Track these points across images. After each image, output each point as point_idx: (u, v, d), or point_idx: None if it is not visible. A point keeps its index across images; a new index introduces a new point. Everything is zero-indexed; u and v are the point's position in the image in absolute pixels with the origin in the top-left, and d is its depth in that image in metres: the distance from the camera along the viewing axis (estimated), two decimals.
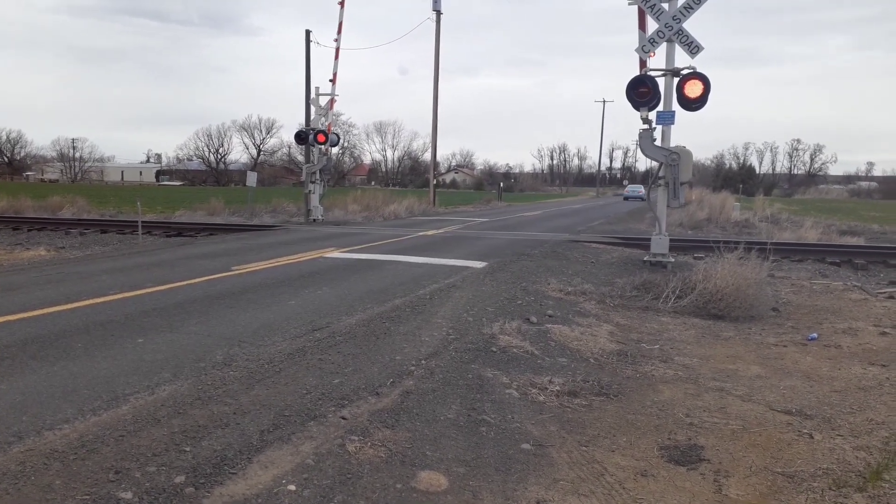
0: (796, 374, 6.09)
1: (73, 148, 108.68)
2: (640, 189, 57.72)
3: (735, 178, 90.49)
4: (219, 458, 3.72)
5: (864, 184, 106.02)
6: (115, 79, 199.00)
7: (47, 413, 4.28)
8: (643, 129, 12.26)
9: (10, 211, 27.13)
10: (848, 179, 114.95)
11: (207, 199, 31.13)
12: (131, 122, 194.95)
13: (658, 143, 12.34)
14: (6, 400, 4.50)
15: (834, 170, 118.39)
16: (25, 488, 3.31)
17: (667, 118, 12.20)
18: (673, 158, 12.06)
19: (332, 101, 23.49)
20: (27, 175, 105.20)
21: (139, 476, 3.47)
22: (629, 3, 12.21)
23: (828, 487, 3.72)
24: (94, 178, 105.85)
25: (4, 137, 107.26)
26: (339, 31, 23.18)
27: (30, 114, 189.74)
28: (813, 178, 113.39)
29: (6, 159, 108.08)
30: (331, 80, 23.40)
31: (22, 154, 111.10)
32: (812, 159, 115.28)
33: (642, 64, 12.75)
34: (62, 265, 11.34)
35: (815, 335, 7.55)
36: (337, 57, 23.22)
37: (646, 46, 12.12)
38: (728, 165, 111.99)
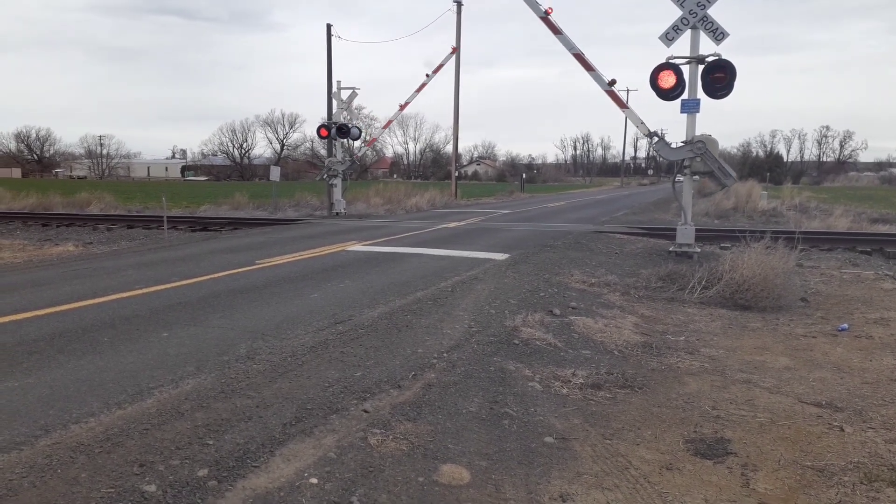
0: (826, 366, 5.96)
1: (101, 145, 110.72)
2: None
3: (762, 167, 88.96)
4: (241, 451, 3.74)
5: (895, 170, 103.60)
6: (141, 76, 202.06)
7: (74, 407, 4.34)
8: (655, 141, 12.50)
9: (40, 207, 27.65)
10: (879, 166, 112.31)
11: (232, 194, 31.42)
12: (157, 119, 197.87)
13: (673, 145, 12.35)
14: (34, 393, 4.57)
15: (864, 157, 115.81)
16: (52, 481, 3.35)
17: (692, 106, 12.03)
18: (699, 148, 11.89)
19: (388, 122, 24.02)
20: (56, 172, 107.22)
21: (163, 469, 3.50)
22: None
23: (859, 481, 3.63)
24: (121, 175, 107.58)
25: (34, 135, 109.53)
26: (436, 71, 23.98)
27: (58, 112, 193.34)
28: (842, 165, 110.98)
29: (36, 157, 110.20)
30: (400, 106, 24.36)
31: (51, 151, 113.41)
32: (842, 146, 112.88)
33: (612, 95, 13.18)
34: (90, 260, 11.51)
35: (845, 326, 7.40)
36: (420, 90, 24.06)
37: (670, 34, 11.94)
38: (755, 154, 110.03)
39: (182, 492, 3.29)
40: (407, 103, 23.66)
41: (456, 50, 23.71)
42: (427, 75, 23.66)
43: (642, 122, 13.25)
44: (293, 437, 3.96)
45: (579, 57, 13.82)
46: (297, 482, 3.44)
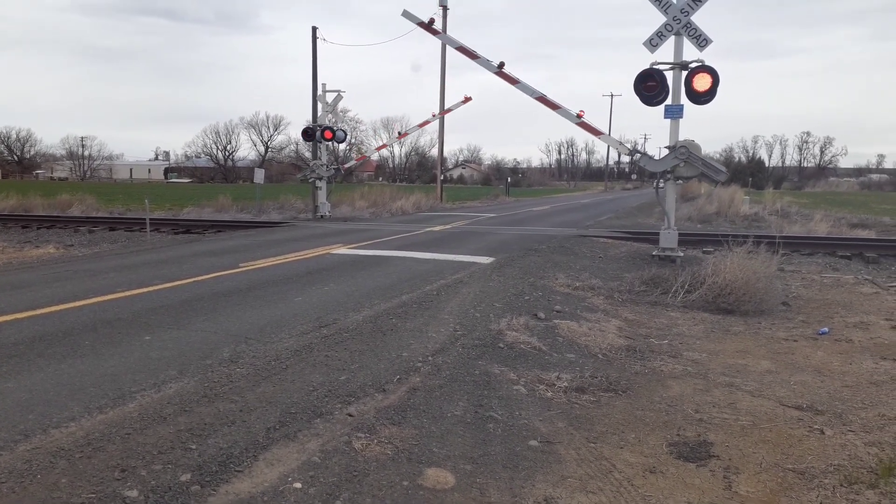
0: (807, 369, 6.03)
1: (83, 146, 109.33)
2: None
3: (744, 172, 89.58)
4: (225, 455, 3.71)
5: (874, 176, 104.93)
6: (124, 77, 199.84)
7: (54, 411, 4.28)
8: (638, 158, 12.90)
9: (20, 209, 27.30)
10: (858, 172, 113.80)
11: (215, 196, 31.23)
12: (140, 120, 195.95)
13: (656, 155, 12.62)
14: (13, 398, 4.51)
15: (844, 162, 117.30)
16: (31, 487, 3.31)
17: (675, 112, 12.13)
18: (682, 153, 12.00)
19: (382, 146, 25.85)
20: (37, 174, 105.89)
21: (145, 474, 3.46)
22: None
23: (839, 484, 3.68)
24: (103, 176, 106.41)
25: (14, 136, 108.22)
26: (443, 114, 26.77)
27: (39, 113, 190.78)
28: (823, 170, 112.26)
29: (16, 158, 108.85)
30: (399, 134, 28.79)
31: (32, 153, 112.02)
32: (822, 152, 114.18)
33: (584, 126, 13.61)
34: (71, 263, 11.38)
35: (825, 329, 7.48)
36: (422, 126, 27.01)
37: (654, 40, 12.05)
38: (737, 159, 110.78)
39: (164, 497, 3.26)
40: (406, 133, 24.37)
41: (468, 99, 24.46)
42: (433, 115, 25.27)
43: (621, 143, 13.58)
44: (277, 442, 3.93)
45: (542, 99, 14.11)
46: (280, 487, 3.42)
